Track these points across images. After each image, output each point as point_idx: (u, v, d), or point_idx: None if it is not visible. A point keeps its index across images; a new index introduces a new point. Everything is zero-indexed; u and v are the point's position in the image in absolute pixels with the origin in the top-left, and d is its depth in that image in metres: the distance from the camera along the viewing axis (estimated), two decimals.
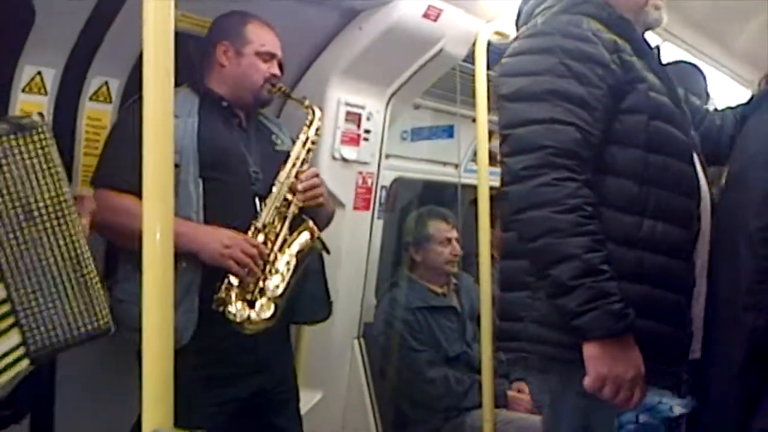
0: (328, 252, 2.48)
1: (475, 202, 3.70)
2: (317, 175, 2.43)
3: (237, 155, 2.34)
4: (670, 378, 1.78)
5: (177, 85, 1.48)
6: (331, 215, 2.63)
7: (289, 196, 2.35)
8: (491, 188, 3.18)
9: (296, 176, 2.36)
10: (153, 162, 1.44)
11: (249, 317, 2.22)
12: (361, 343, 3.46)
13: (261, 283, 2.26)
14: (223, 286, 2.21)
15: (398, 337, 3.38)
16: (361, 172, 3.30)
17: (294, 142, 2.44)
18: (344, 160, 3.18)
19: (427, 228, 3.51)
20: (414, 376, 3.31)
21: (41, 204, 1.66)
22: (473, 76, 3.23)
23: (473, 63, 3.21)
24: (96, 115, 2.34)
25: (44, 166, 1.67)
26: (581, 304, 1.62)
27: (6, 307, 1.63)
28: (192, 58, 2.45)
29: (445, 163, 4.08)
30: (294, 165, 2.38)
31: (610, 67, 1.77)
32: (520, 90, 1.77)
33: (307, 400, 3.16)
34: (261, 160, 2.39)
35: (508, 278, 1.89)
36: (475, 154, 3.74)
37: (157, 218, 1.43)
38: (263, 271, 2.26)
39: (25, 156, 1.64)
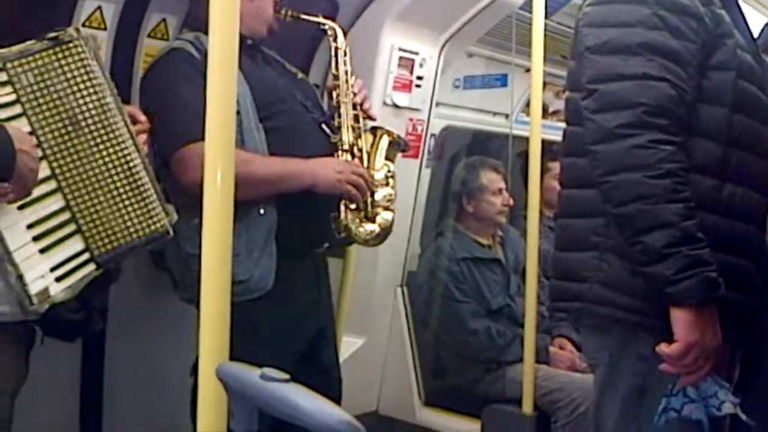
0: (407, 148, 2.59)
1: (521, 154, 3.66)
2: (363, 85, 2.50)
3: (285, 90, 2.35)
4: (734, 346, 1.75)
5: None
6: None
7: (354, 112, 2.42)
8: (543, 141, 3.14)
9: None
10: (216, 104, 1.43)
11: (376, 233, 2.38)
12: (404, 291, 3.48)
13: (371, 199, 2.37)
14: (341, 213, 2.32)
15: (442, 287, 3.38)
16: (411, 119, 3.28)
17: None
18: (395, 106, 3.15)
19: (479, 178, 3.47)
20: (456, 327, 3.31)
21: (87, 114, 1.72)
22: (530, 24, 3.15)
23: (530, 11, 3.13)
24: (153, 52, 2.32)
25: (85, 77, 1.72)
26: (677, 272, 1.57)
27: (65, 215, 1.71)
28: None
29: (495, 113, 4.01)
30: (347, 81, 2.43)
31: (704, 20, 1.68)
32: (609, 42, 1.67)
33: (349, 345, 3.21)
34: (299, 90, 2.40)
35: (571, 237, 1.82)
36: (526, 105, 3.68)
37: (219, 160, 1.43)
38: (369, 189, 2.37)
39: (66, 68, 1.70)
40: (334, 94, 2.42)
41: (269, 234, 2.20)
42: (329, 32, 2.47)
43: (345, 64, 2.44)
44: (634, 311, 1.69)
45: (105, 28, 2.18)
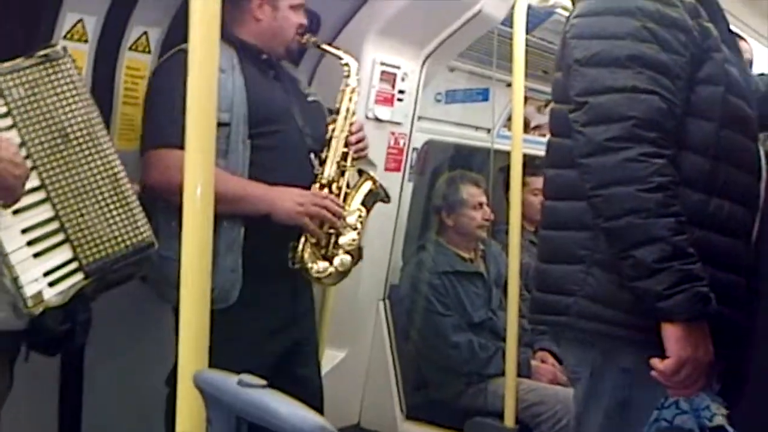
0: (388, 200, 2.55)
1: (503, 169, 3.68)
2: (362, 127, 2.49)
3: (284, 110, 2.35)
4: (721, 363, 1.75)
5: None
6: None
7: (344, 150, 2.40)
8: (524, 155, 3.17)
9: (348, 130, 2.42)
10: (196, 115, 1.43)
11: (329, 272, 2.33)
12: (386, 304, 3.48)
13: (334, 238, 2.33)
14: (300, 245, 2.27)
15: (423, 301, 3.39)
16: (393, 133, 3.29)
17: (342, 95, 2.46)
18: (377, 119, 3.16)
19: (459, 192, 3.49)
20: (438, 340, 3.32)
21: (75, 128, 1.78)
22: (511, 39, 3.18)
23: (512, 26, 3.16)
24: (135, 65, 2.33)
25: (73, 92, 1.79)
26: (669, 287, 1.56)
27: (54, 225, 1.74)
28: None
29: (477, 128, 4.04)
30: (346, 118, 2.42)
31: (692, 33, 1.68)
32: (598, 54, 1.66)
33: (331, 358, 3.20)
34: (302, 113, 2.40)
35: (555, 250, 1.81)
36: (508, 119, 3.71)
37: (199, 173, 1.43)
38: (336, 224, 2.33)
39: (55, 83, 1.76)
40: (330, 128, 2.42)
41: (230, 247, 2.17)
42: (345, 68, 2.49)
43: (350, 101, 2.44)
44: (619, 325, 1.68)
45: (86, 41, 2.18)
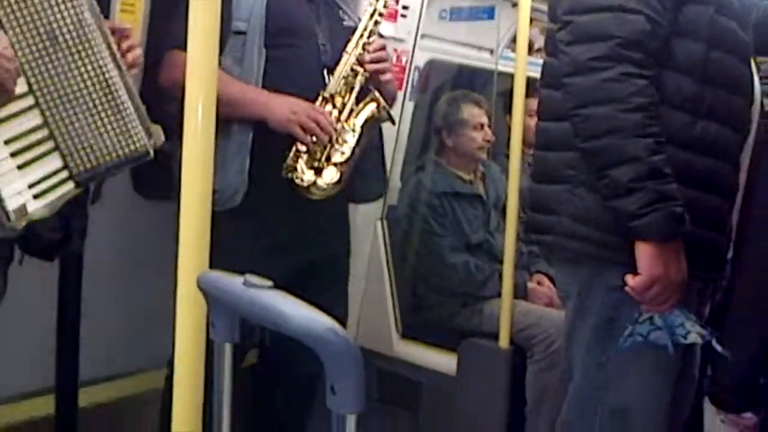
0: (393, 122, 2.51)
1: (502, 94, 3.62)
2: (384, 48, 2.43)
3: (306, 27, 2.33)
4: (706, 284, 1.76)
5: None
6: (394, 94, 2.59)
7: (357, 68, 2.35)
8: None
9: (364, 48, 2.36)
10: (200, 30, 1.36)
11: (316, 183, 2.29)
12: (383, 224, 3.47)
13: (327, 151, 2.30)
14: (291, 153, 2.26)
15: (421, 221, 3.37)
16: (396, 50, 3.23)
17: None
18: (380, 35, 3.07)
19: (461, 112, 3.43)
20: (435, 261, 3.31)
21: (64, 30, 1.69)
22: None
23: None
24: None
25: None
26: (642, 206, 1.58)
27: (43, 132, 1.68)
28: None
29: (480, 48, 3.95)
30: (362, 36, 2.37)
31: None
32: None
33: None
34: (329, 33, 2.37)
35: (545, 170, 1.83)
36: (512, 40, 3.63)
37: (200, 92, 1.37)
38: (330, 139, 2.29)
39: None
40: (349, 45, 2.36)
41: (238, 149, 2.18)
42: None
43: (371, 20, 2.38)
44: (604, 245, 1.71)
45: None
